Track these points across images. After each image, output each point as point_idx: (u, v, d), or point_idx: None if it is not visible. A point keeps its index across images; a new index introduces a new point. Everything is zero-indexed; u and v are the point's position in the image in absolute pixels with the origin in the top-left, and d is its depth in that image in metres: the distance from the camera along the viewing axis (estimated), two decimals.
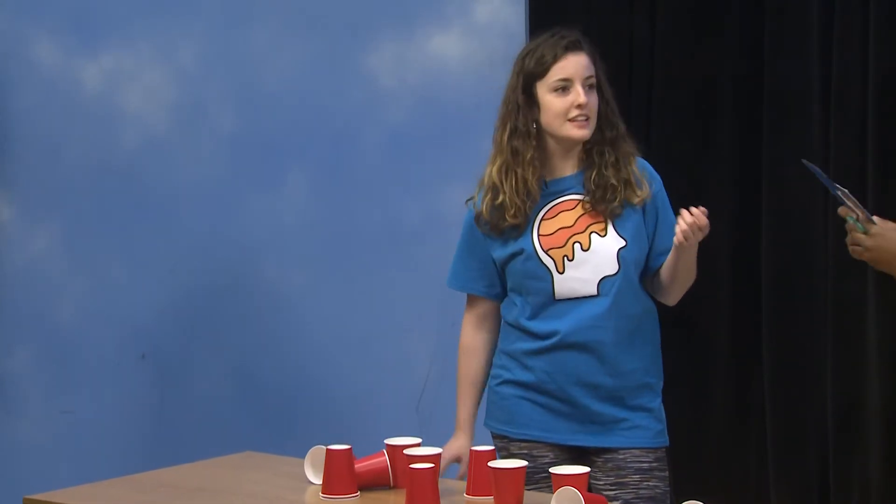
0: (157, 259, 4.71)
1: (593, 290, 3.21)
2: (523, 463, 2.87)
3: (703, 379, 4.52)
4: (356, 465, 3.03)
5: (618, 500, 3.19)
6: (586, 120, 3.22)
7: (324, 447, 3.07)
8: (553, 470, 2.86)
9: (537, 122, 3.25)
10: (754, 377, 4.68)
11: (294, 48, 4.68)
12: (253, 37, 4.70)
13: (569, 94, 3.21)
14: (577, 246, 3.22)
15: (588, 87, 3.23)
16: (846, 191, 3.09)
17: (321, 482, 3.04)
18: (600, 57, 3.35)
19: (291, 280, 4.68)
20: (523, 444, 3.25)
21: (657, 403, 3.30)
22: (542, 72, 3.22)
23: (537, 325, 3.23)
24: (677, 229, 3.15)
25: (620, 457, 3.25)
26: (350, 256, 4.66)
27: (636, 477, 3.26)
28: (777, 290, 4.61)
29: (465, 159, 4.61)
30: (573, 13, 5.01)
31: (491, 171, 3.29)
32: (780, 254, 4.59)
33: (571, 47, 3.23)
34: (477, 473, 2.94)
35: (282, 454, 3.46)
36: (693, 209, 3.15)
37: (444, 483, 2.95)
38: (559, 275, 3.22)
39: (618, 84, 5.00)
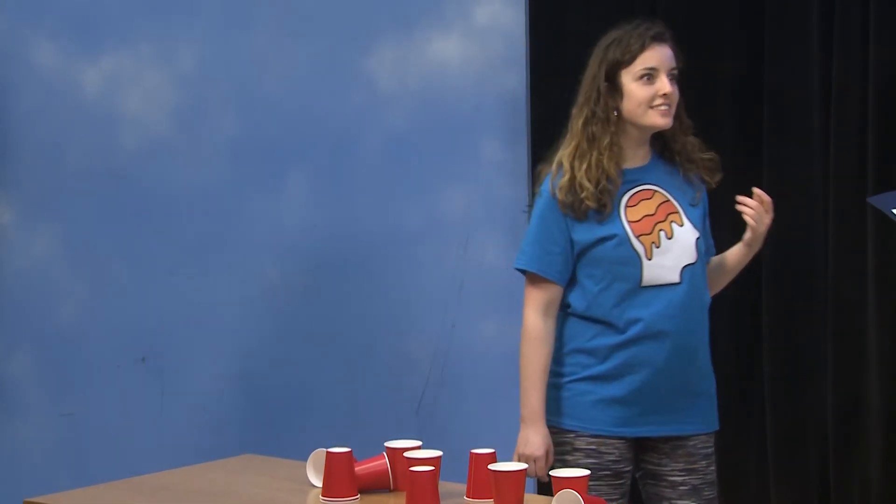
0: (158, 262, 4.71)
1: (676, 278, 3.26)
2: (524, 465, 2.87)
3: None
4: (356, 468, 3.03)
5: (686, 486, 3.26)
6: (669, 108, 3.28)
7: (325, 450, 3.07)
8: (553, 473, 2.86)
9: (618, 109, 3.29)
10: (754, 377, 4.68)
11: (294, 51, 4.68)
12: (253, 40, 4.70)
13: (654, 84, 3.27)
14: (662, 234, 3.27)
15: (671, 78, 3.30)
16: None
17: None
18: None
19: (292, 282, 4.68)
20: (591, 440, 3.25)
21: (715, 388, 3.38)
22: (628, 60, 3.28)
23: (620, 314, 3.24)
24: (746, 219, 3.28)
25: (691, 443, 3.31)
26: (350, 259, 4.66)
27: (703, 462, 3.33)
28: (777, 290, 4.61)
29: (465, 162, 4.63)
30: (573, 15, 5.02)
31: (564, 155, 3.30)
32: (780, 254, 4.59)
33: (658, 38, 3.31)
34: (477, 475, 2.94)
35: (282, 457, 3.46)
36: (752, 196, 3.26)
37: (445, 486, 2.95)
38: (648, 261, 3.25)
39: None
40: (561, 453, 3.26)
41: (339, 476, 2.98)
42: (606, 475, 3.24)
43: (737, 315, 4.67)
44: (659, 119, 3.28)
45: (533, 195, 3.40)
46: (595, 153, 3.25)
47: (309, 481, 3.11)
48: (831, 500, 4.55)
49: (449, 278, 4.62)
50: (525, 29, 4.62)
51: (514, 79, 4.61)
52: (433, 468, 2.87)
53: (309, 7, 4.68)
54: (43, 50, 4.72)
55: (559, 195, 3.25)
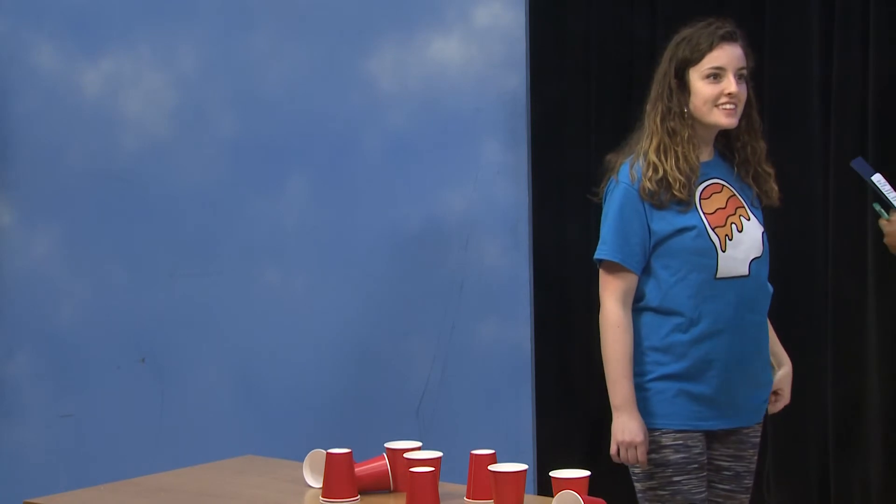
0: (158, 263, 4.71)
1: (745, 271, 3.30)
2: (524, 466, 2.86)
3: None
4: (356, 469, 3.03)
5: (730, 472, 3.30)
6: (734, 108, 3.30)
7: (322, 451, 3.07)
8: (553, 473, 2.86)
9: (686, 106, 3.31)
10: None
11: (294, 52, 4.68)
12: (253, 41, 4.70)
13: (720, 82, 3.29)
14: (733, 227, 3.31)
15: (739, 77, 3.31)
16: (875, 177, 3.33)
17: (320, 486, 3.04)
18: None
19: (292, 284, 4.68)
20: (678, 435, 3.26)
21: (772, 377, 3.44)
22: (696, 58, 3.30)
23: (695, 306, 3.25)
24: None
25: (744, 431, 3.36)
26: (350, 260, 4.66)
27: (751, 451, 3.38)
28: (777, 290, 4.62)
29: (465, 163, 4.63)
30: (574, 16, 5.03)
31: (648, 150, 3.30)
32: (781, 253, 4.60)
33: (727, 37, 3.33)
34: (477, 476, 2.94)
35: (282, 458, 3.46)
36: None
37: (445, 487, 2.95)
38: (723, 253, 3.27)
39: (618, 84, 5.05)
40: (650, 451, 3.26)
41: (339, 477, 2.98)
42: (695, 469, 3.26)
43: None
44: (723, 118, 3.30)
45: (599, 185, 3.39)
46: (679, 147, 3.27)
47: (306, 482, 3.11)
48: (831, 501, 4.56)
49: (449, 279, 4.62)
50: (525, 30, 4.62)
51: (515, 80, 4.61)
52: (433, 469, 2.87)
53: (309, 8, 4.68)
54: (43, 51, 4.72)
55: (647, 185, 3.24)
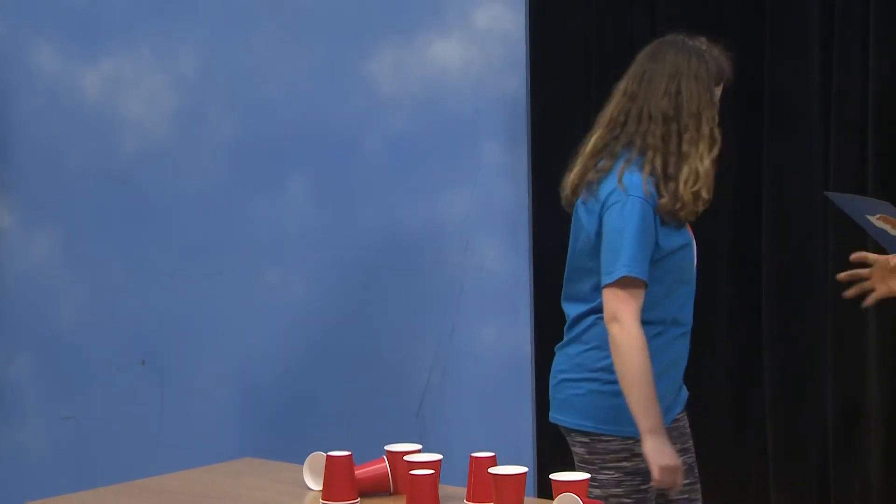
0: (158, 265, 4.71)
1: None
2: (524, 469, 2.86)
3: (703, 379, 4.53)
4: (356, 472, 3.03)
5: (684, 465, 3.21)
6: None
7: (322, 453, 3.07)
8: (553, 476, 2.86)
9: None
10: (754, 377, 4.69)
11: (294, 54, 4.68)
12: (253, 43, 4.70)
13: None
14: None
15: None
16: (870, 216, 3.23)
17: (320, 488, 3.04)
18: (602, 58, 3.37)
19: (292, 285, 4.68)
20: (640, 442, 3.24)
21: None
22: (720, 78, 3.28)
23: (675, 315, 3.26)
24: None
25: (681, 423, 3.36)
26: (350, 262, 4.66)
27: (690, 441, 3.38)
28: (777, 290, 4.62)
29: (465, 165, 4.63)
30: (574, 17, 5.03)
31: (704, 159, 3.20)
32: (780, 254, 4.60)
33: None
34: (477, 479, 2.94)
35: (282, 460, 3.47)
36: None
37: (444, 489, 2.95)
38: (694, 265, 3.30)
39: (618, 82, 5.04)
40: (618, 459, 3.22)
41: (339, 479, 2.98)
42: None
43: (737, 316, 4.68)
44: None
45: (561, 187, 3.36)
46: (690, 164, 3.21)
47: (306, 485, 3.12)
48: (831, 501, 4.56)
49: (449, 281, 4.62)
50: (525, 32, 4.62)
51: (515, 82, 4.61)
52: (433, 472, 2.87)
53: (309, 10, 4.68)
54: (43, 53, 4.72)
55: (667, 204, 3.17)
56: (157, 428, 4.69)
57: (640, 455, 3.16)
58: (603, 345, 3.20)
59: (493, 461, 2.97)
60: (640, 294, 3.14)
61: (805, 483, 4.62)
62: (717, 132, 3.20)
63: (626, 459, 3.21)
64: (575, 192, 3.30)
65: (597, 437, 3.23)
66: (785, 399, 4.65)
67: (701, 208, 3.20)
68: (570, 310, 3.31)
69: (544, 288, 4.80)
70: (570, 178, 3.32)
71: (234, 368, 4.70)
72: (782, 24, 4.60)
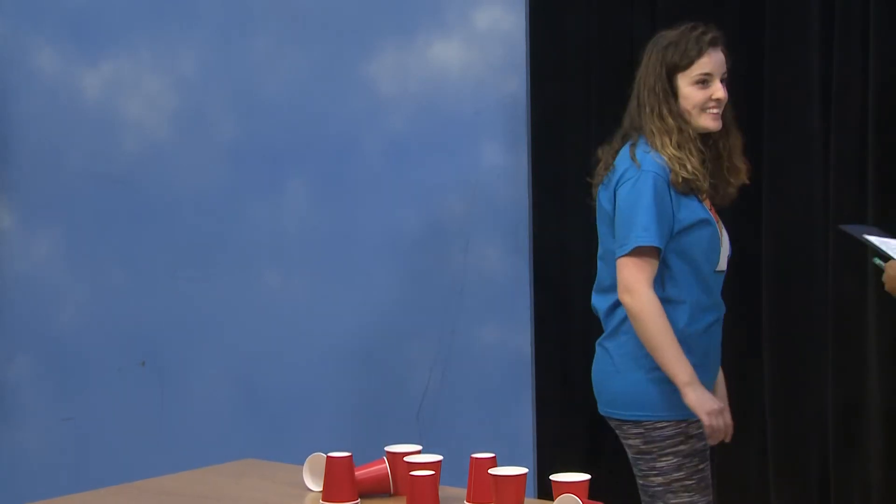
0: (158, 266, 4.71)
1: (726, 267, 3.42)
2: (524, 470, 2.86)
3: None
4: (356, 473, 3.03)
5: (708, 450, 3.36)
6: (719, 112, 3.38)
7: (322, 454, 3.07)
8: (553, 477, 2.86)
9: (671, 109, 3.36)
10: (754, 377, 4.68)
11: (294, 55, 4.68)
12: (253, 44, 4.70)
13: (708, 88, 3.36)
14: (720, 223, 3.42)
15: (723, 82, 3.39)
16: (870, 239, 3.41)
17: (321, 489, 3.04)
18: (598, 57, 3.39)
19: (292, 287, 4.68)
20: (699, 425, 3.30)
21: None
22: (685, 64, 3.36)
23: (703, 298, 3.32)
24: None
25: (721, 390, 3.48)
26: (350, 264, 4.67)
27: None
28: (777, 289, 4.62)
29: (465, 166, 4.63)
30: (574, 18, 5.03)
31: (667, 145, 3.31)
32: (781, 254, 4.60)
33: (713, 42, 3.39)
34: (477, 480, 2.94)
35: (282, 461, 3.46)
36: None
37: (445, 490, 2.95)
38: (721, 248, 3.37)
39: (618, 84, 5.05)
40: (675, 444, 3.30)
41: (339, 480, 2.98)
42: (708, 454, 3.35)
43: (737, 315, 4.68)
44: (711, 122, 3.37)
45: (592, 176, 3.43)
46: (692, 143, 3.33)
47: (306, 486, 3.12)
48: (831, 501, 4.56)
49: (449, 283, 4.62)
50: (525, 33, 4.62)
51: (515, 83, 4.61)
52: (433, 472, 2.87)
53: (309, 12, 4.68)
54: (43, 54, 4.72)
55: (683, 173, 3.27)
56: (156, 429, 4.70)
57: (694, 436, 3.28)
58: None
59: (494, 462, 2.97)
60: (654, 263, 3.25)
61: (805, 483, 4.62)
62: (667, 118, 3.33)
63: (682, 443, 3.29)
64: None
65: (651, 426, 3.30)
66: (785, 399, 4.64)
67: (704, 186, 3.31)
68: (599, 302, 3.41)
69: (544, 288, 4.81)
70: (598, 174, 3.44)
71: (234, 369, 4.70)
72: (782, 24, 4.60)
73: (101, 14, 4.72)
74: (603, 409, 3.39)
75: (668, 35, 3.41)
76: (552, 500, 2.81)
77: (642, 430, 3.30)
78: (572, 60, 5.09)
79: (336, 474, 2.98)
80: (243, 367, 4.70)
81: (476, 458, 2.96)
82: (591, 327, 5.08)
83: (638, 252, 3.24)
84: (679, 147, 3.31)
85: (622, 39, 5.00)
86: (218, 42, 4.70)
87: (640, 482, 3.35)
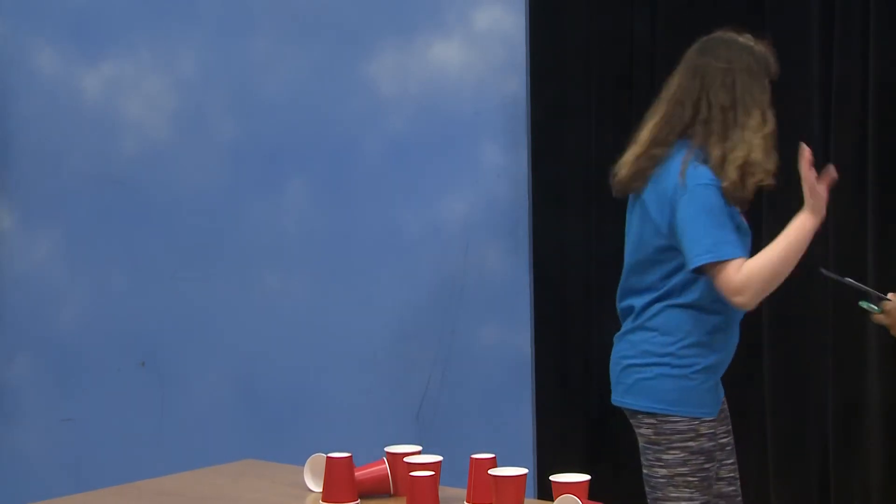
0: (158, 266, 4.71)
1: None
2: (524, 470, 2.87)
3: None
4: (356, 473, 3.03)
5: (729, 446, 3.46)
6: None
7: (323, 455, 3.07)
8: (553, 478, 2.86)
9: None
10: (754, 377, 4.68)
11: (294, 56, 4.68)
12: (253, 45, 4.70)
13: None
14: None
15: None
16: (852, 281, 3.47)
17: (321, 490, 3.04)
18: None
19: (292, 287, 4.68)
20: (711, 423, 3.37)
21: None
22: (766, 75, 3.47)
23: (733, 306, 3.37)
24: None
25: (724, 406, 3.50)
26: (350, 264, 4.67)
27: (731, 425, 3.53)
28: (777, 290, 4.62)
29: (465, 166, 4.63)
30: (574, 19, 5.03)
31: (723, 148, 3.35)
32: None
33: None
34: (477, 481, 2.94)
35: (282, 462, 3.47)
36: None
37: (445, 491, 2.95)
38: None
39: (618, 84, 5.05)
40: (684, 439, 3.34)
41: (339, 481, 2.98)
42: (717, 454, 3.39)
43: None
44: None
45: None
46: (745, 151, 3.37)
47: (306, 486, 3.12)
48: (831, 501, 4.56)
49: (449, 283, 4.62)
50: (525, 33, 4.62)
51: (515, 83, 4.61)
52: (433, 473, 2.87)
53: (309, 12, 4.68)
54: (44, 55, 4.72)
55: (728, 188, 3.30)
56: (156, 429, 4.69)
57: (704, 435, 3.33)
58: (669, 330, 3.35)
59: (494, 462, 2.97)
60: (739, 263, 3.26)
61: (805, 483, 4.62)
62: (770, 120, 3.40)
63: (691, 439, 3.33)
64: (631, 181, 3.40)
65: (664, 419, 3.34)
66: (785, 399, 4.65)
67: (752, 193, 3.35)
68: (633, 301, 3.42)
69: (544, 288, 4.81)
70: (626, 166, 3.42)
71: (234, 370, 4.70)
72: (782, 23, 4.60)
73: (101, 14, 4.72)
74: (618, 399, 3.43)
75: (744, 40, 3.47)
76: (552, 500, 2.81)
77: (655, 422, 3.34)
78: (572, 60, 5.09)
79: (336, 475, 2.98)
80: (243, 367, 4.70)
81: (476, 459, 2.96)
82: (591, 327, 5.10)
83: (722, 263, 3.26)
84: (765, 149, 3.40)
85: (622, 39, 5.00)
86: (218, 42, 4.70)
87: (645, 472, 3.39)
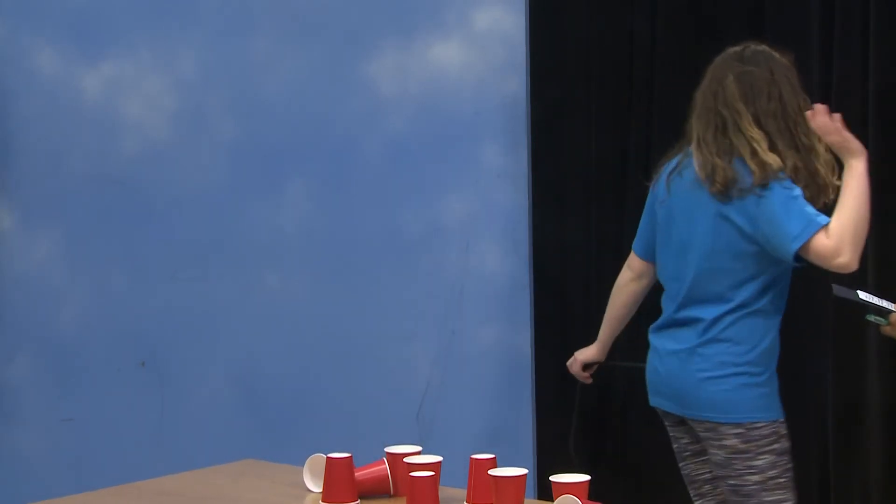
0: (158, 266, 4.71)
1: None
2: (524, 470, 2.86)
3: None
4: (356, 474, 3.03)
5: None
6: None
7: (322, 455, 3.07)
8: (553, 478, 2.86)
9: None
10: None
11: (294, 56, 4.68)
12: (253, 45, 4.70)
13: None
14: None
15: None
16: (867, 298, 3.50)
17: (320, 490, 3.04)
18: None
19: (292, 288, 4.68)
20: (784, 423, 3.47)
21: None
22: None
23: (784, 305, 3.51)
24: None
25: None
26: (350, 264, 4.67)
27: None
28: None
29: (465, 167, 4.63)
30: (574, 19, 5.02)
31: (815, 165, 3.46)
32: None
33: None
34: (477, 481, 2.94)
35: (282, 462, 3.46)
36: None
37: (444, 491, 2.95)
38: None
39: (618, 84, 5.05)
40: (770, 443, 3.41)
41: (339, 481, 2.98)
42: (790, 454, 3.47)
43: None
44: None
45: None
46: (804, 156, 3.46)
47: (306, 486, 3.12)
48: (831, 501, 4.55)
49: (449, 284, 4.62)
50: (525, 34, 4.62)
51: (515, 83, 4.61)
52: (433, 473, 2.87)
53: (309, 12, 4.68)
54: (44, 55, 4.72)
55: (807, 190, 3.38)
56: (156, 429, 4.70)
57: (784, 436, 3.43)
58: (744, 339, 3.43)
59: (494, 462, 2.97)
60: (825, 231, 3.34)
61: (805, 483, 4.61)
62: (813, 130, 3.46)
63: (776, 442, 3.41)
64: (727, 188, 3.41)
65: (751, 426, 3.39)
66: (785, 399, 4.64)
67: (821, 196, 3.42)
68: (700, 312, 3.45)
69: (544, 289, 4.80)
70: (719, 171, 3.42)
71: (234, 370, 4.70)
72: (782, 24, 4.60)
73: (101, 14, 4.72)
74: (694, 413, 3.45)
75: (781, 56, 3.50)
76: (552, 500, 2.81)
77: (742, 430, 3.39)
78: (572, 60, 5.09)
79: (336, 475, 2.98)
80: (243, 368, 4.70)
81: (476, 459, 2.96)
82: (591, 328, 5.09)
83: (818, 231, 3.34)
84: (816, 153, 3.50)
85: (622, 39, 4.99)
86: (218, 42, 4.70)
87: (732, 482, 3.42)
